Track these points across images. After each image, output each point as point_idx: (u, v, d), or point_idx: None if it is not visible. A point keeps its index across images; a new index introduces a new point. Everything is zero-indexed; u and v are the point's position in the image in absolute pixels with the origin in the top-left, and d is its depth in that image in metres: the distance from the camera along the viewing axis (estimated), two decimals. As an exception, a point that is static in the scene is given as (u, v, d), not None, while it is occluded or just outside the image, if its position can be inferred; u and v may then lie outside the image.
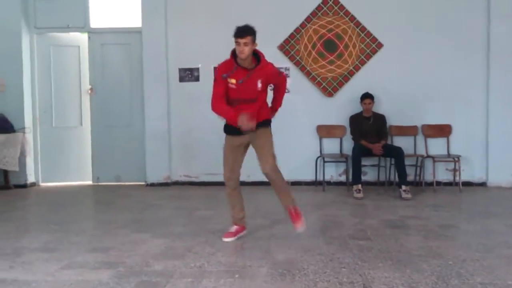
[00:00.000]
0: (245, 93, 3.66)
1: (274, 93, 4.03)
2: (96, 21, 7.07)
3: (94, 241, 3.95)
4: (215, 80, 3.74)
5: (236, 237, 3.90)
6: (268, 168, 3.69)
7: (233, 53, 3.67)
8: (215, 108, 3.72)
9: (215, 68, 3.95)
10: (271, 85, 3.89)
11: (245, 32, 3.54)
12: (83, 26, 7.07)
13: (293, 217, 3.80)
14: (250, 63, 3.66)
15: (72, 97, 7.24)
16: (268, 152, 3.73)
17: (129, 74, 7.09)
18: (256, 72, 3.66)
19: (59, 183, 7.14)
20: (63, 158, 7.18)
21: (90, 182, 7.15)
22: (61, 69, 7.19)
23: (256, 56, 3.70)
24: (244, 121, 3.52)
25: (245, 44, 3.53)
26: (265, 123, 3.83)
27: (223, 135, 3.98)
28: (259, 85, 3.67)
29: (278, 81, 3.92)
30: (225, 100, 3.68)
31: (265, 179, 3.83)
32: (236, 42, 3.55)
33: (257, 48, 3.70)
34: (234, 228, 3.95)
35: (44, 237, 4.06)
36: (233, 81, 3.63)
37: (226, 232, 3.93)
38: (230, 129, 3.81)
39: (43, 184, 7.16)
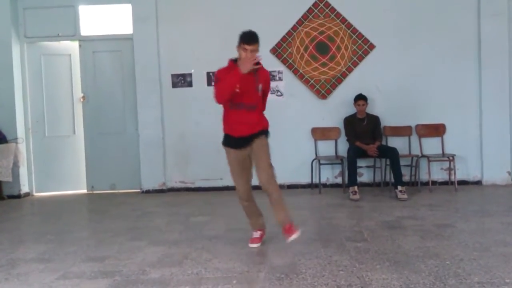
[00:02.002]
0: (247, 98, 3.57)
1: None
2: (87, 29, 7.04)
3: (90, 251, 3.91)
4: (217, 79, 3.59)
5: (261, 242, 3.86)
6: (264, 179, 3.60)
7: (232, 60, 3.63)
8: (219, 92, 3.52)
9: (213, 73, 3.91)
10: None
11: (254, 39, 3.47)
12: (73, 34, 7.04)
13: (287, 231, 3.62)
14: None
15: (65, 106, 7.20)
16: (266, 162, 3.63)
17: (121, 81, 7.06)
18: (259, 76, 3.61)
19: (53, 193, 7.09)
20: (56, 168, 7.14)
21: (84, 191, 7.11)
22: (52, 78, 7.15)
23: None
24: (245, 64, 3.44)
25: (253, 51, 3.46)
26: (264, 133, 3.73)
27: (218, 140, 3.91)
28: (259, 89, 3.63)
29: (268, 88, 3.86)
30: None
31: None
32: (243, 48, 3.47)
33: None
34: (259, 233, 3.89)
35: (39, 248, 4.03)
36: (236, 85, 3.50)
37: (252, 238, 3.87)
38: (231, 141, 3.68)
39: (37, 194, 7.11)
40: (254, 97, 3.64)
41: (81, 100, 7.10)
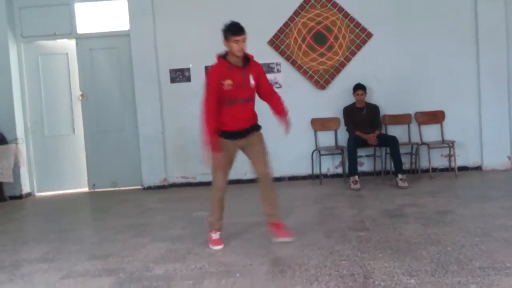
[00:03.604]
0: (242, 92, 3.58)
1: (267, 98, 3.83)
2: (83, 26, 7.02)
3: (93, 249, 3.93)
4: (208, 85, 3.55)
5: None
6: (266, 170, 3.69)
7: (221, 55, 3.61)
8: (207, 117, 3.52)
9: (207, 70, 3.92)
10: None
11: (242, 28, 3.49)
12: (70, 32, 7.02)
13: (278, 229, 3.72)
14: (241, 61, 3.59)
15: (63, 105, 7.19)
16: (266, 156, 3.73)
17: (119, 78, 7.05)
18: (249, 68, 3.61)
19: (55, 192, 7.10)
20: (57, 167, 7.14)
21: (86, 189, 7.12)
22: (50, 77, 7.14)
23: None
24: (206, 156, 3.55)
25: (243, 40, 3.49)
26: (258, 127, 3.78)
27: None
28: (252, 81, 3.61)
29: (263, 76, 3.78)
30: (216, 108, 3.54)
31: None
32: (234, 40, 3.45)
33: (247, 44, 3.66)
34: (218, 234, 3.77)
35: (43, 248, 4.05)
36: (229, 82, 3.51)
37: (214, 239, 3.73)
38: (227, 133, 3.64)
39: (38, 194, 7.13)
40: (248, 90, 3.62)
41: (80, 98, 7.10)
